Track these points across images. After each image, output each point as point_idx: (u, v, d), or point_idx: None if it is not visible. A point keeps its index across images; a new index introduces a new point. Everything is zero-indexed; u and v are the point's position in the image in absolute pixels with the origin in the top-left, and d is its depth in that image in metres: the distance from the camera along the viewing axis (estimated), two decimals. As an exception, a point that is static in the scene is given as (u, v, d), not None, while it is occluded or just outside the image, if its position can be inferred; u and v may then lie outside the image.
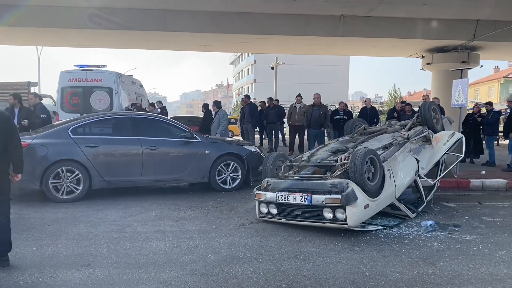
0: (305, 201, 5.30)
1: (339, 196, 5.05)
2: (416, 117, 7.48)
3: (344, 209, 5.08)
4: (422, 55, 23.93)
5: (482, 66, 24.84)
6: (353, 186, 5.16)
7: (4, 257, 4.13)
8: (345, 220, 5.11)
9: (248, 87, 64.22)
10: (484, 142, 11.83)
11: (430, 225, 5.80)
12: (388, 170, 5.72)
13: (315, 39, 19.98)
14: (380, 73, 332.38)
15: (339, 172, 5.50)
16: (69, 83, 12.68)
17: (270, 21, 18.05)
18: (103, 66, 13.15)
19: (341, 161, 5.78)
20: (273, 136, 14.44)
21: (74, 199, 7.08)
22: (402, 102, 13.46)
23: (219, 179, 8.04)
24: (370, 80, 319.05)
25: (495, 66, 51.50)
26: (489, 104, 11.64)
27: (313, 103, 12.30)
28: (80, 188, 7.15)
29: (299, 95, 13.44)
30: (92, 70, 12.80)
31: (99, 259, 4.40)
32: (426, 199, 6.59)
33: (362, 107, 15.50)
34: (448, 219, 6.19)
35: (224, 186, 8.08)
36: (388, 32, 19.08)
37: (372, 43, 21.21)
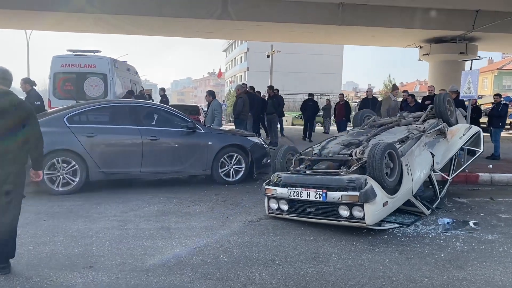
0: (319, 198, 4.99)
1: (357, 193, 4.74)
2: (429, 109, 7.19)
3: (362, 206, 4.79)
4: (420, 46, 23.69)
5: (480, 57, 24.69)
6: (371, 182, 4.86)
7: (4, 264, 3.68)
8: (363, 218, 4.81)
9: (241, 75, 63.53)
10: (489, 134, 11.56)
11: (448, 223, 5.55)
12: (406, 165, 5.43)
13: (313, 27, 19.64)
14: (372, 64, 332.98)
15: (355, 167, 5.19)
16: (62, 69, 12.18)
17: (267, 8, 17.65)
18: (97, 51, 12.66)
19: (355, 155, 5.48)
20: (271, 128, 13.92)
21: (70, 192, 6.71)
22: (404, 91, 13.15)
23: (222, 172, 7.71)
24: (362, 70, 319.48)
25: (489, 58, 51.48)
26: (498, 96, 11.36)
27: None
28: (77, 179, 6.77)
29: (395, 86, 12.01)
30: (86, 55, 12.31)
31: (102, 260, 4.07)
32: (440, 194, 6.33)
33: (363, 97, 15.22)
34: (464, 216, 5.93)
35: (227, 179, 7.75)
36: (387, 21, 18.81)
37: (370, 32, 20.92)
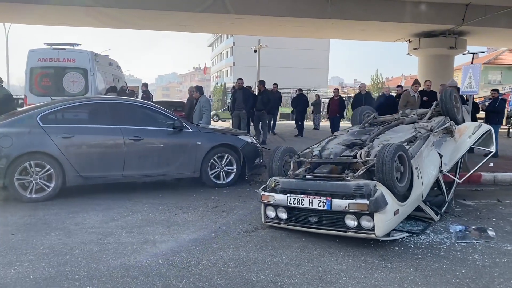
0: (323, 206, 4.48)
1: (366, 202, 4.24)
2: (435, 106, 6.72)
3: (372, 216, 4.28)
4: (409, 40, 23.38)
5: (469, 51, 24.52)
6: (381, 188, 4.36)
7: None
8: (373, 229, 4.31)
9: (227, 70, 62.77)
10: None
11: (460, 230, 5.09)
12: (416, 168, 4.95)
13: (301, 21, 19.15)
14: (357, 59, 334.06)
15: (362, 171, 4.69)
16: (39, 63, 11.47)
17: (255, 1, 17.09)
18: (77, 44, 11.95)
19: (361, 157, 4.98)
20: (260, 125, 13.26)
21: (44, 198, 6.09)
22: (399, 86, 12.73)
23: (211, 174, 7.15)
24: (347, 65, 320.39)
25: (475, 53, 51.40)
26: (495, 91, 10.97)
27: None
28: (52, 185, 6.16)
29: (417, 80, 10.93)
30: (64, 49, 11.60)
31: (76, 284, 3.49)
32: (447, 198, 5.88)
33: (356, 93, 14.75)
34: (475, 222, 5.48)
35: (217, 182, 7.20)
36: (377, 15, 18.44)
37: (359, 26, 20.51)
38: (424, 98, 10.34)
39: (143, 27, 22.51)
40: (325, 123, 23.35)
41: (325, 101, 28.94)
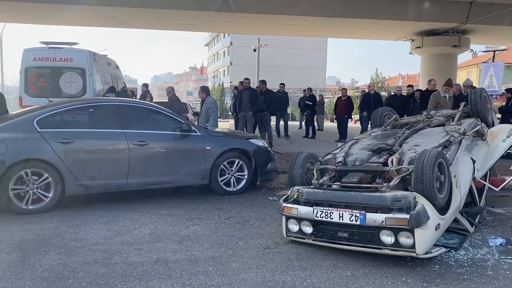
0: (356, 221, 4.01)
1: (406, 216, 3.77)
2: (463, 107, 6.27)
3: (412, 232, 3.82)
4: (411, 39, 23.02)
5: (472, 50, 24.21)
6: (422, 201, 3.89)
7: None
8: (413, 246, 3.84)
9: (224, 70, 62.20)
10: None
11: (501, 244, 4.65)
12: (454, 176, 4.49)
13: (302, 19, 18.73)
14: (353, 58, 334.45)
15: (396, 181, 4.22)
16: (34, 63, 10.99)
17: (256, -1, 16.70)
18: (74, 43, 11.47)
19: (392, 164, 4.51)
20: (264, 127, 12.67)
21: (42, 210, 5.59)
22: (409, 86, 12.26)
23: (221, 180, 6.66)
24: (343, 65, 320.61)
25: (474, 51, 51.11)
26: (510, 91, 10.51)
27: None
28: (50, 195, 5.65)
29: (449, 80, 9.83)
30: (61, 48, 11.11)
31: (82, 318, 3.01)
32: (481, 206, 5.43)
33: (365, 93, 14.28)
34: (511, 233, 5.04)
35: (228, 189, 6.72)
36: (379, 13, 18.08)
37: (361, 25, 20.14)
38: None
39: (140, 26, 22.01)
40: (328, 124, 22.94)
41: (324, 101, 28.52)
